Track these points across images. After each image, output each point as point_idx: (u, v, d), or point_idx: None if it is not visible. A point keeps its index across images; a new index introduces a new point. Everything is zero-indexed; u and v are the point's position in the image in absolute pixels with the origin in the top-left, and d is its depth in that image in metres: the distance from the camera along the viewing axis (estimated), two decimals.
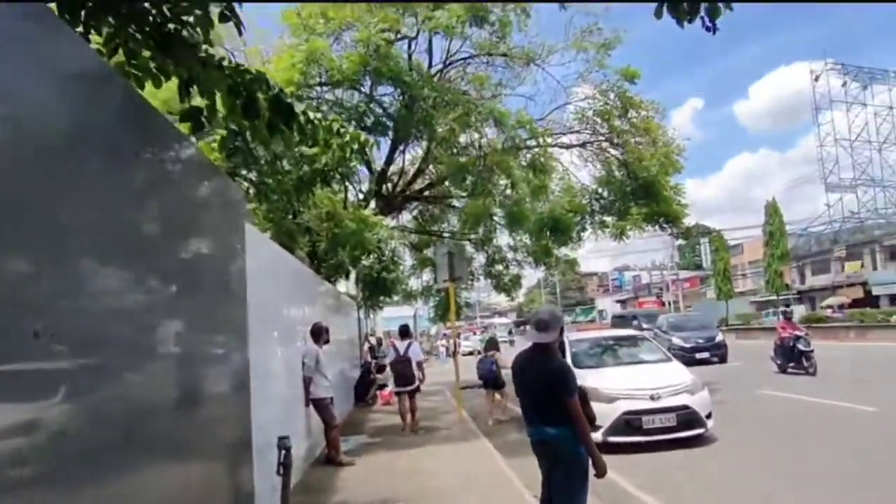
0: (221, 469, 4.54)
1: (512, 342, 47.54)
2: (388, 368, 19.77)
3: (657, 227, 15.50)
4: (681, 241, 64.84)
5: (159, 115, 3.67)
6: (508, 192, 12.22)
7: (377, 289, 13.88)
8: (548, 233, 16.32)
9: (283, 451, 6.00)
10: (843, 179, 47.18)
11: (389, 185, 16.98)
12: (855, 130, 48.36)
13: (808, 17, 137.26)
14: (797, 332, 17.23)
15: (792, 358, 17.02)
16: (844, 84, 48.97)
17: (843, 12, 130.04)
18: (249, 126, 4.74)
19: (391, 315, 42.61)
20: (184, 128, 4.78)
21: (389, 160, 14.92)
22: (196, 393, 3.97)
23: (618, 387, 8.97)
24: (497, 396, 12.63)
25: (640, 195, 14.73)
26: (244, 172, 9.11)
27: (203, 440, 4.07)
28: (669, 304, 63.48)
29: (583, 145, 15.68)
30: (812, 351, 16.60)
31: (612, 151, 15.37)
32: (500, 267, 20.89)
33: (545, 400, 4.44)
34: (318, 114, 5.08)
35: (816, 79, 48.84)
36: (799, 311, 40.53)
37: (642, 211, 14.13)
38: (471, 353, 39.49)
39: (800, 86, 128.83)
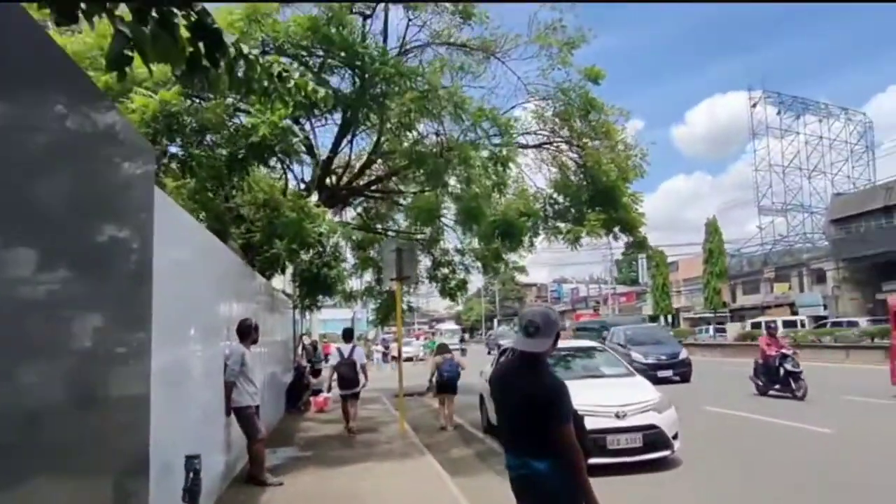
0: (101, 498, 3.36)
1: (464, 351, 44.77)
2: (323, 373, 18.65)
3: (612, 235, 14.84)
4: (618, 257, 65.94)
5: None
6: (462, 187, 11.20)
7: (316, 286, 12.66)
8: (499, 237, 15.50)
9: (191, 474, 4.82)
10: (775, 203, 48.58)
11: (334, 177, 15.77)
12: (788, 157, 49.93)
13: (744, 48, 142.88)
14: (784, 351, 15.30)
15: (777, 379, 15.10)
16: (779, 112, 50.54)
17: (777, 48, 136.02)
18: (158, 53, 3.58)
19: (329, 317, 41.13)
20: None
21: (336, 149, 13.71)
22: (63, 401, 2.80)
23: (579, 402, 7.69)
24: (448, 402, 12.58)
25: (598, 201, 14.03)
26: (165, 142, 7.81)
27: (71, 462, 2.91)
28: (606, 317, 64.13)
29: (540, 146, 14.92)
30: (801, 372, 14.67)
31: (571, 154, 14.66)
32: (445, 270, 19.93)
33: (532, 425, 3.44)
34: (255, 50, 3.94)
35: (754, 105, 50.22)
36: (733, 328, 41.29)
37: (600, 217, 13.42)
38: (410, 360, 38.31)
39: (733, 114, 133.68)
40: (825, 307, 41.72)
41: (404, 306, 20.08)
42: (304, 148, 11.01)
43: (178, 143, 7.94)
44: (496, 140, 11.19)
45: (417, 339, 53.06)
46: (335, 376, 11.93)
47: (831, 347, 27.24)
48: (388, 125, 11.41)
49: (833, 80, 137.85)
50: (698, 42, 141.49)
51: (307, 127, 14.39)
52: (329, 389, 13.52)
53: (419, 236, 17.31)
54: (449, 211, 13.45)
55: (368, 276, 20.02)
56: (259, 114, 8.09)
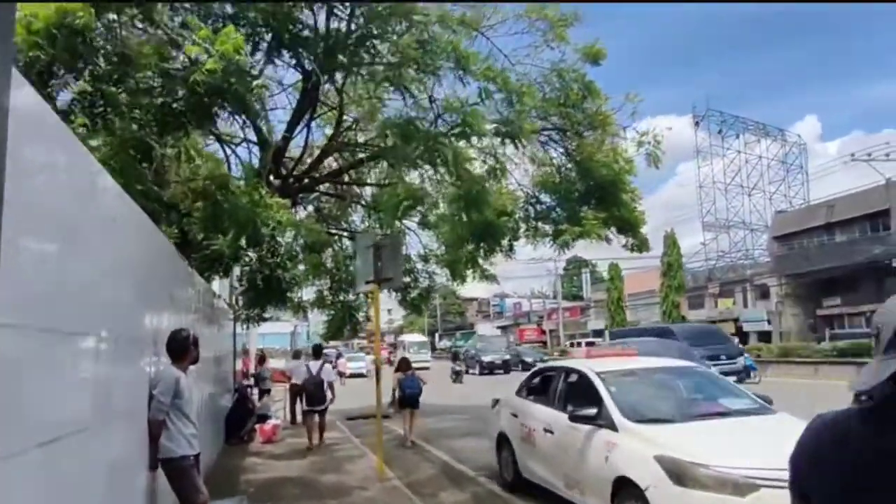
0: None
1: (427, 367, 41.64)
2: (267, 396, 16.06)
3: (605, 237, 13.00)
4: (560, 272, 65.12)
5: None
6: (458, 168, 9.05)
7: (267, 292, 10.23)
8: (476, 239, 13.45)
9: None
10: (718, 220, 48.53)
11: (283, 170, 13.40)
12: (729, 175, 50.15)
13: (685, 76, 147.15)
14: None
15: None
16: (720, 131, 50.80)
17: (703, 76, 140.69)
18: None
19: (267, 331, 37.97)
20: None
21: (291, 130, 11.38)
22: None
23: (751, 464, 4.71)
24: (411, 417, 12.45)
25: (594, 198, 12.22)
26: (64, 74, 5.36)
27: None
28: (549, 332, 62.95)
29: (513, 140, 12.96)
30: None
31: (559, 147, 12.79)
32: (407, 279, 17.71)
33: None
34: None
35: (697, 124, 50.30)
36: None
37: (599, 216, 11.56)
38: (362, 376, 35.47)
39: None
40: (769, 322, 41.62)
41: (359, 318, 17.81)
42: (265, 94, 8.53)
43: (86, 77, 5.54)
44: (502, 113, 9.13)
45: (368, 354, 50.31)
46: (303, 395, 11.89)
47: (800, 363, 26.46)
48: (368, 87, 9.21)
49: (756, 108, 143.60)
50: (631, 66, 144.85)
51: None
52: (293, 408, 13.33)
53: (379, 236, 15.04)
54: (439, 198, 11.29)
55: (318, 284, 17.69)
56: (203, 45, 5.77)
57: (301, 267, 10.14)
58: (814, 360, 25.43)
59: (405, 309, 19.01)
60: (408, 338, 57.15)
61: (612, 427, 5.82)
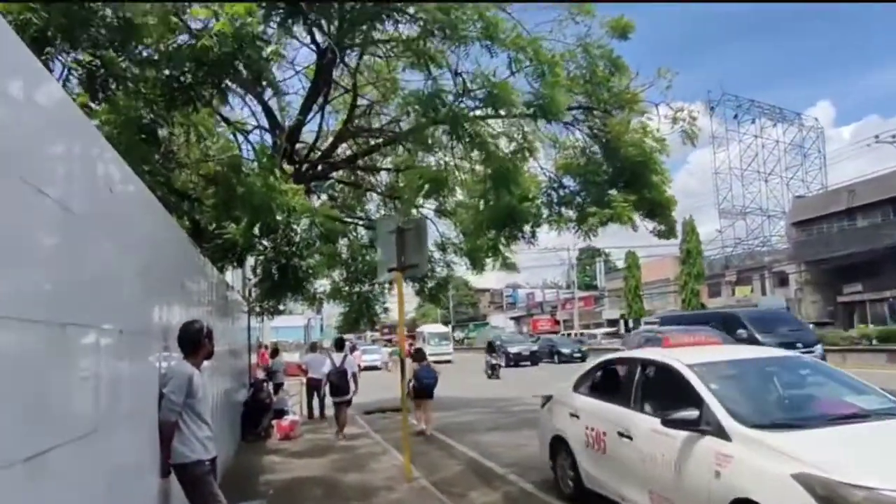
0: None
1: (449, 360, 39.77)
2: (281, 390, 15.62)
3: (632, 222, 12.39)
4: (574, 262, 64.38)
5: None
6: (488, 145, 8.43)
7: (283, 283, 9.71)
8: (498, 226, 12.89)
9: None
10: (734, 206, 47.67)
11: (296, 157, 12.88)
12: (745, 161, 49.24)
13: (694, 63, 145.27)
14: None
15: None
16: (736, 116, 49.82)
17: (723, 63, 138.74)
18: None
19: (281, 324, 37.65)
20: None
21: (305, 111, 10.84)
22: None
23: None
24: (426, 408, 12.50)
25: (623, 181, 11.61)
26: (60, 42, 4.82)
27: None
28: (563, 322, 62.36)
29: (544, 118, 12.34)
30: None
31: (587, 127, 12.16)
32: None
33: None
34: None
35: (712, 108, 49.33)
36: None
37: (630, 199, 10.94)
38: (376, 368, 35.23)
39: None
40: (788, 309, 40.82)
41: (377, 308, 17.29)
42: (277, 64, 7.94)
43: (84, 44, 5.00)
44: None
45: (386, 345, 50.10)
46: (328, 385, 12.12)
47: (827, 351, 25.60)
48: (387, 65, 8.64)
49: (767, 95, 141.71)
50: (640, 53, 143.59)
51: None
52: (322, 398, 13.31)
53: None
54: (461, 181, 10.71)
55: (333, 275, 17.19)
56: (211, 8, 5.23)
57: (317, 256, 9.58)
58: (841, 348, 24.64)
59: (423, 300, 18.47)
60: (427, 328, 51.20)
61: (722, 434, 4.66)
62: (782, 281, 42.77)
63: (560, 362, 36.44)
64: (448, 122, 7.49)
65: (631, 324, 51.19)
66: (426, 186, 8.84)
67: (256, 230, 8.87)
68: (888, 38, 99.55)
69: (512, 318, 72.97)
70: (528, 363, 36.29)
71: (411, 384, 12.04)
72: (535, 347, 38.97)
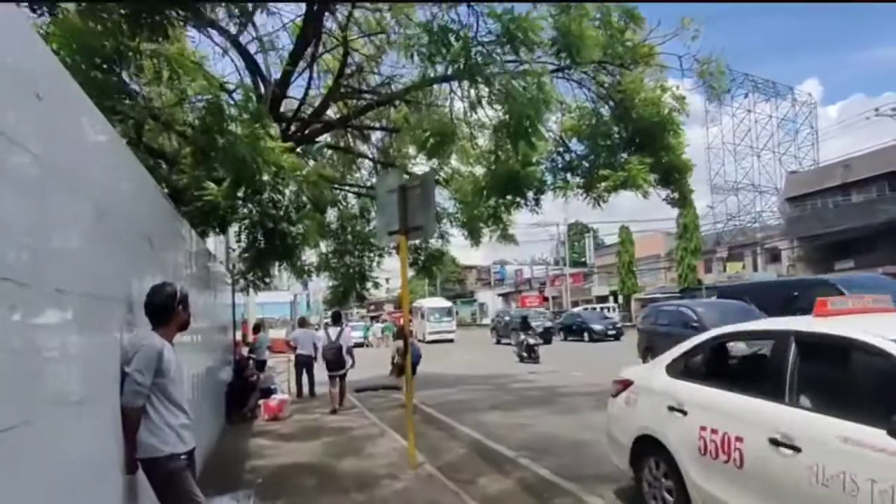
0: None
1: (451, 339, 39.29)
2: (266, 367, 14.80)
3: (645, 186, 11.56)
4: (562, 239, 63.76)
5: None
6: (508, 86, 7.44)
7: (270, 250, 8.80)
8: (499, 193, 12.04)
9: None
10: (727, 182, 47.06)
11: (283, 118, 11.89)
12: (738, 136, 48.54)
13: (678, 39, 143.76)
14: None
15: None
16: (729, 90, 48.91)
17: (709, 39, 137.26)
18: None
19: (266, 300, 36.67)
20: None
21: (295, 60, 9.84)
22: None
23: None
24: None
25: (637, 143, 10.78)
26: None
27: None
28: (552, 299, 61.91)
29: (559, 70, 11.42)
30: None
31: (598, 84, 11.25)
32: (415, 242, 16.33)
33: None
34: None
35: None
36: None
37: (646, 161, 10.10)
38: (360, 346, 34.55)
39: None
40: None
41: (368, 283, 16.43)
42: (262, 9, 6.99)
43: None
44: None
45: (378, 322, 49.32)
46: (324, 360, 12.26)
47: None
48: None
49: (755, 71, 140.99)
50: None
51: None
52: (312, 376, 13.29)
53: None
54: (472, 132, 9.78)
55: (324, 246, 16.29)
56: None
57: (307, 222, 8.67)
58: None
59: (417, 273, 17.63)
60: (427, 303, 45.39)
61: None
62: (774, 257, 42.45)
63: (592, 340, 33.02)
64: (462, 58, 6.50)
65: (620, 300, 50.90)
66: (430, 141, 7.94)
67: (241, 193, 7.99)
68: (874, 18, 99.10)
69: (500, 295, 72.46)
70: (542, 340, 33.08)
71: (396, 360, 12.54)
72: (548, 323, 35.52)
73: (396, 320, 44.01)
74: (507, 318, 36.59)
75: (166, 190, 9.01)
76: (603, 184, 10.50)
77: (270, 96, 10.12)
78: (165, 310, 3.86)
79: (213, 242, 12.52)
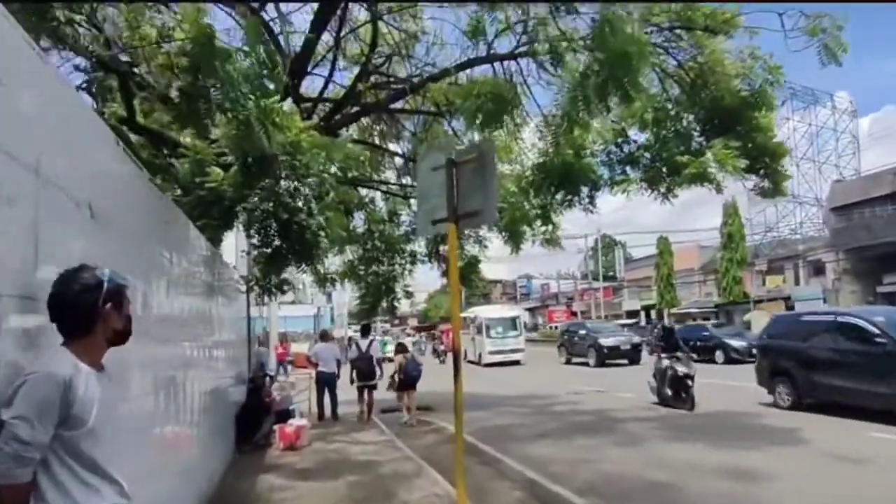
0: None
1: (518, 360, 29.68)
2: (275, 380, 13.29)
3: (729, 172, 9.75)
4: (589, 251, 61.61)
5: None
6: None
7: (288, 248, 7.20)
8: (553, 186, 10.38)
9: None
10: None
11: (302, 105, 10.38)
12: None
13: None
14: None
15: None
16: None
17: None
18: None
19: (289, 313, 35.24)
20: None
21: (319, 27, 8.32)
22: None
23: None
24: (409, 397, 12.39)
25: (716, 126, 9.05)
26: None
27: None
28: (579, 313, 59.71)
29: None
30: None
31: (669, 56, 9.52)
32: (445, 245, 14.68)
33: None
34: None
35: None
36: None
37: (732, 146, 8.34)
38: (389, 360, 32.47)
39: None
40: (825, 300, 37.99)
41: (398, 293, 14.79)
42: None
43: None
44: None
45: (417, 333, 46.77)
46: (354, 371, 12.16)
47: None
48: None
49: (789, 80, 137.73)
50: None
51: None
52: (352, 382, 12.49)
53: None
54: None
55: (350, 253, 14.72)
56: None
57: (329, 213, 7.06)
58: None
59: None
60: (485, 312, 33.74)
61: None
62: (818, 270, 39.93)
63: (729, 361, 24.43)
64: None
65: (653, 315, 48.61)
66: (485, 108, 6.33)
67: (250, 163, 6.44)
68: None
69: (527, 309, 70.34)
70: (626, 360, 26.44)
71: (397, 377, 12.30)
72: (635, 339, 27.67)
73: (444, 335, 38.47)
74: (581, 332, 28.89)
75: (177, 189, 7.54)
76: (677, 175, 8.77)
77: (288, 72, 8.59)
78: (82, 310, 2.23)
79: (229, 245, 11.00)
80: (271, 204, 6.61)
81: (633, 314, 52.98)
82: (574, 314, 59.95)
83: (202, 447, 6.72)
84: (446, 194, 5.33)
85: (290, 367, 21.74)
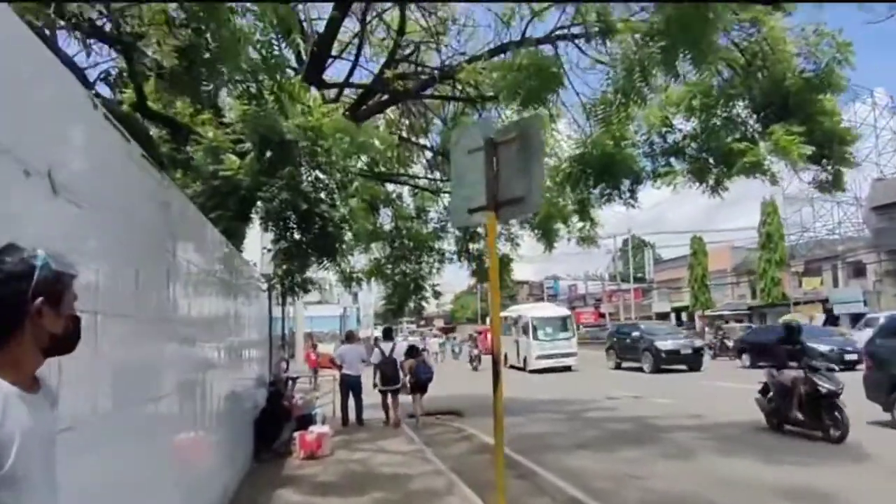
0: None
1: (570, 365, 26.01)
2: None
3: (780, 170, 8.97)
4: (617, 252, 60.29)
5: None
6: None
7: (308, 241, 6.58)
8: (591, 177, 9.64)
9: None
10: (802, 191, 42.95)
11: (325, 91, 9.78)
12: None
13: None
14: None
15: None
16: None
17: None
18: None
19: (315, 314, 34.88)
20: None
21: (341, 9, 7.70)
22: None
23: None
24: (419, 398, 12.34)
25: (776, 111, 8.22)
26: None
27: None
28: (608, 315, 58.45)
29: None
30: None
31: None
32: (479, 245, 14.01)
33: None
34: None
35: None
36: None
37: (795, 131, 7.51)
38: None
39: None
40: (865, 303, 36.39)
41: (426, 292, 14.13)
42: None
43: None
44: None
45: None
46: (378, 374, 12.01)
47: None
48: None
49: None
50: None
51: None
52: (374, 386, 12.12)
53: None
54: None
55: (376, 251, 14.13)
56: None
57: (352, 202, 6.40)
58: None
59: (479, 280, 15.36)
60: (531, 311, 29.30)
61: None
62: (858, 271, 38.33)
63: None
64: None
65: (684, 318, 47.31)
66: (527, 84, 5.63)
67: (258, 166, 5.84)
68: None
69: None
70: (685, 366, 23.22)
71: (409, 380, 12.17)
72: (697, 343, 24.98)
73: (483, 336, 34.80)
74: (634, 334, 25.41)
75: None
76: (727, 167, 7.99)
77: (310, 56, 7.98)
78: (1, 306, 1.59)
79: (252, 243, 10.44)
80: (290, 193, 5.99)
81: (662, 316, 51.64)
82: (602, 316, 58.76)
83: (216, 456, 6.15)
84: (485, 180, 4.64)
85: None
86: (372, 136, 7.00)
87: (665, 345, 23.52)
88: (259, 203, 6.14)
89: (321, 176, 6.40)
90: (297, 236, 6.63)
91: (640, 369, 24.03)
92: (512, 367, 26.14)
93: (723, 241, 47.52)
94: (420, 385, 12.27)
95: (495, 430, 4.37)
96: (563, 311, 30.57)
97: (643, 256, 62.53)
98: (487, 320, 72.22)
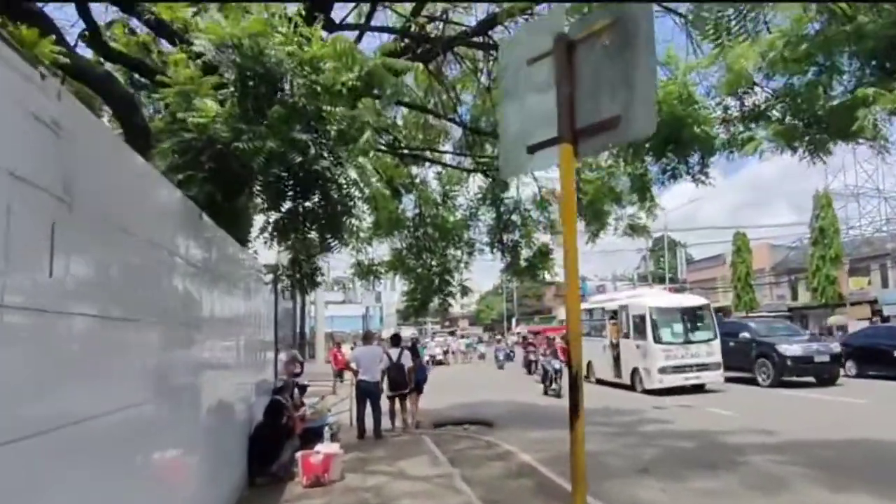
0: None
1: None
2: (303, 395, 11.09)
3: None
4: (647, 251, 57.85)
5: None
6: None
7: (310, 212, 4.95)
8: (660, 146, 7.90)
9: None
10: (847, 186, 40.40)
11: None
12: None
13: None
14: None
15: None
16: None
17: None
18: None
19: (336, 313, 33.49)
20: None
21: None
22: None
23: None
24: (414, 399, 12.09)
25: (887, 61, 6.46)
26: None
27: None
28: None
29: None
30: None
31: None
32: (514, 235, 12.29)
33: None
34: None
35: None
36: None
37: None
38: (440, 363, 31.07)
39: None
40: None
41: (454, 289, 12.41)
42: None
43: None
44: None
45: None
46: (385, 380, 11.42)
47: None
48: None
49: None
50: None
51: None
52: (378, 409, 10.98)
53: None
54: None
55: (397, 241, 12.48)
56: None
57: (361, 158, 4.68)
58: None
59: (514, 277, 13.70)
60: (644, 299, 18.98)
61: None
62: None
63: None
64: None
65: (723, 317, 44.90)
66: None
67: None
68: None
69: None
70: (814, 379, 17.93)
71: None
72: (835, 349, 18.62)
73: (542, 335, 28.34)
74: (743, 335, 19.30)
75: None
76: (822, 131, 6.24)
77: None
78: None
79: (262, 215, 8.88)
80: (277, 143, 4.38)
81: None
82: None
83: (194, 481, 4.58)
84: (558, 97, 2.97)
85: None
86: (399, 70, 5.33)
87: (791, 350, 17.92)
88: (238, 156, 4.52)
89: (323, 127, 4.75)
90: (290, 205, 4.99)
91: (751, 381, 18.40)
92: (600, 381, 19.52)
93: (759, 239, 45.12)
94: (417, 386, 12.21)
95: (575, 493, 2.67)
96: (698, 299, 20.17)
97: (674, 256, 60.08)
98: (513, 321, 70.20)
